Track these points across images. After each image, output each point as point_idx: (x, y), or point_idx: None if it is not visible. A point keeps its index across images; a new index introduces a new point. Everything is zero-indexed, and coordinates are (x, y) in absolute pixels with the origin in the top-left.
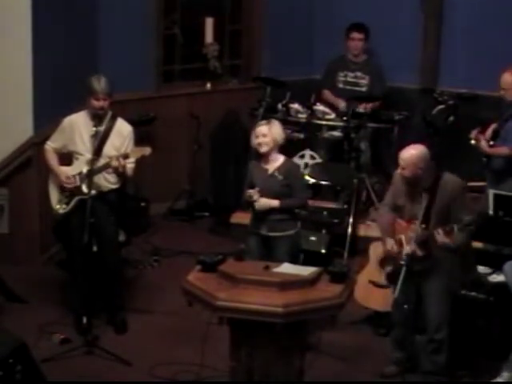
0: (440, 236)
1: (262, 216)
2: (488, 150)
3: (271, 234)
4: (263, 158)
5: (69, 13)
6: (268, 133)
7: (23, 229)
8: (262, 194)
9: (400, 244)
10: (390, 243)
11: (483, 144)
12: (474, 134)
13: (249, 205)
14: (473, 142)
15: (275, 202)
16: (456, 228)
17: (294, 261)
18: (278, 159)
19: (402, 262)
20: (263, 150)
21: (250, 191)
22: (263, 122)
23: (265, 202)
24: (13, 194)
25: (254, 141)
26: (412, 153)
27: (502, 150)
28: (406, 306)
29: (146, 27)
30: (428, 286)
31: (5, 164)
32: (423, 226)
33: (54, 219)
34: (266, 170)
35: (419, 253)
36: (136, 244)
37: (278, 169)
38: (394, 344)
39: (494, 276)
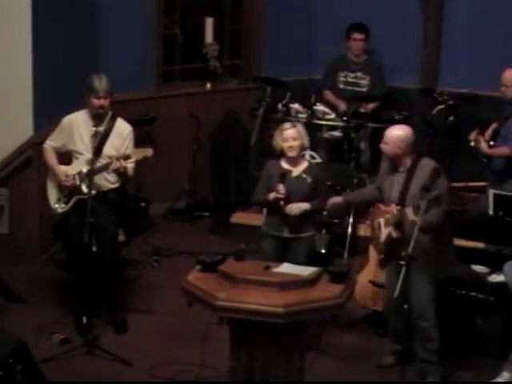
0: (410, 214)
1: (284, 218)
2: (488, 151)
3: (293, 236)
4: (288, 160)
5: (69, 13)
6: (298, 136)
7: (23, 229)
8: (288, 196)
9: (378, 227)
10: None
11: (483, 145)
12: (473, 135)
13: (271, 203)
14: (472, 143)
15: (306, 205)
16: (422, 204)
17: (310, 262)
18: (303, 161)
19: (402, 262)
20: (293, 153)
21: (280, 186)
22: (288, 124)
23: (297, 207)
24: (13, 194)
25: (283, 144)
26: (397, 133)
27: (503, 150)
28: (406, 307)
29: (146, 27)
30: (412, 275)
31: (5, 164)
32: (398, 207)
33: (52, 219)
34: (290, 171)
35: (394, 234)
36: (136, 244)
37: (306, 171)
38: (390, 337)
39: (494, 276)
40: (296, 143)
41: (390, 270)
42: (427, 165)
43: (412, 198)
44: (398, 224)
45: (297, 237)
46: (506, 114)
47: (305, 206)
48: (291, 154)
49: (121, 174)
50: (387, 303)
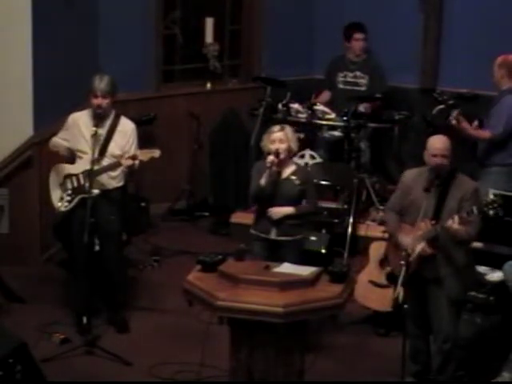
0: (455, 224)
1: (272, 220)
2: (471, 132)
3: (281, 239)
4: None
5: (69, 13)
6: (285, 138)
7: (23, 228)
8: (276, 198)
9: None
10: (406, 241)
11: (465, 125)
12: (455, 113)
13: (264, 197)
14: (453, 122)
15: (290, 209)
16: (476, 211)
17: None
18: (291, 164)
19: (402, 262)
20: (281, 156)
21: (271, 157)
22: (277, 127)
23: (278, 211)
24: (13, 193)
25: (270, 146)
26: (447, 139)
27: (484, 134)
28: (405, 306)
29: (146, 27)
30: (437, 294)
31: (5, 164)
32: (433, 222)
33: (55, 217)
34: (279, 173)
35: (428, 250)
36: (136, 244)
37: (295, 173)
38: (409, 356)
39: (491, 275)
40: (283, 146)
41: (411, 292)
42: (467, 183)
43: (448, 213)
44: (433, 240)
45: (285, 240)
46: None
47: (287, 210)
48: (279, 156)
49: (131, 170)
50: (408, 324)
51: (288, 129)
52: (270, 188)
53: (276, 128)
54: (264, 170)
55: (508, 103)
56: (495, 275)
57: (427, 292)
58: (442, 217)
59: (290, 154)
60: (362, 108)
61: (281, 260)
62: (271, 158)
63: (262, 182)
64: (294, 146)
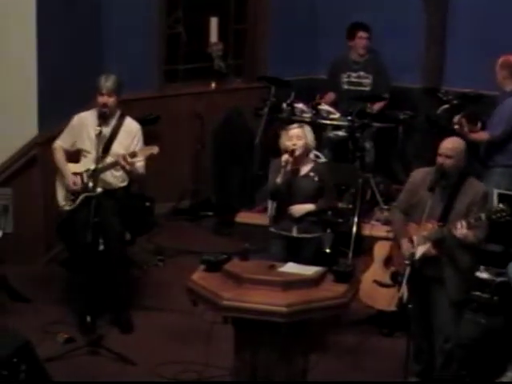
0: (463, 229)
1: (293, 218)
2: (470, 136)
3: (302, 236)
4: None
5: (72, 13)
6: (302, 135)
7: (27, 228)
8: (295, 195)
9: (411, 245)
10: (406, 245)
11: (466, 129)
12: (457, 118)
13: (276, 191)
14: (456, 126)
15: (311, 206)
16: (484, 218)
17: (316, 263)
18: (308, 161)
19: (407, 262)
20: (298, 152)
21: (285, 156)
22: (295, 124)
23: (300, 208)
24: (17, 193)
25: (287, 143)
26: (459, 142)
27: (482, 136)
28: (410, 306)
29: (150, 26)
30: (439, 295)
31: (9, 163)
32: (440, 224)
33: (59, 216)
34: (297, 170)
35: (433, 251)
36: (140, 244)
37: (313, 170)
38: (413, 356)
39: (481, 274)
40: (300, 142)
41: (414, 292)
42: (476, 186)
43: (456, 216)
44: (438, 241)
45: (305, 237)
46: None
47: (308, 207)
48: (296, 153)
49: (127, 171)
50: (412, 324)
51: (306, 127)
52: (285, 187)
53: (294, 125)
54: (281, 168)
55: (510, 104)
56: (483, 274)
57: (429, 292)
58: (449, 219)
59: (307, 151)
60: (371, 109)
61: (298, 257)
62: (286, 156)
63: (278, 180)
64: (312, 143)
